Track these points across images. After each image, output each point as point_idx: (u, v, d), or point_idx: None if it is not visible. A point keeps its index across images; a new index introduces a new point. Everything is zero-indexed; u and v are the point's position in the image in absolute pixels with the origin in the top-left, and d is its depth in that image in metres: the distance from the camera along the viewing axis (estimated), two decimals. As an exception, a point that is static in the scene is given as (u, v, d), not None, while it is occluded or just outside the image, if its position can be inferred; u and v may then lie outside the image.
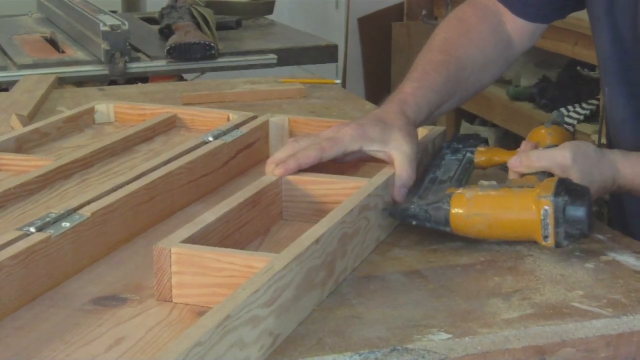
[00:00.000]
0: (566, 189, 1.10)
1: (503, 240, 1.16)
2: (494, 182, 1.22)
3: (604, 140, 1.52)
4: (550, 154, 1.19)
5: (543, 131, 1.33)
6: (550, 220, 1.10)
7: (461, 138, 1.36)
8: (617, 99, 1.36)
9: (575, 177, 1.17)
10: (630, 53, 1.32)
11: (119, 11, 3.50)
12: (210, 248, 0.99)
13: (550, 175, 1.18)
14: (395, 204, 1.21)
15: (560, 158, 1.18)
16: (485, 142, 1.35)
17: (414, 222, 1.16)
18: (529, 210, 1.11)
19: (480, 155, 1.32)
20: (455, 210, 1.13)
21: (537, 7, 1.45)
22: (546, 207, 1.10)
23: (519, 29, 1.46)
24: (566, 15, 1.48)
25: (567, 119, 3.40)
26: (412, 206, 1.16)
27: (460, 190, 1.15)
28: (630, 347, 1.00)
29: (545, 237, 1.11)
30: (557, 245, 1.11)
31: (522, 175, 1.21)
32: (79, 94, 1.98)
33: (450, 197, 1.14)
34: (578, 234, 1.10)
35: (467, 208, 1.13)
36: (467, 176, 1.28)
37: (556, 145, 1.25)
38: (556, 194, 1.10)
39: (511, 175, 1.23)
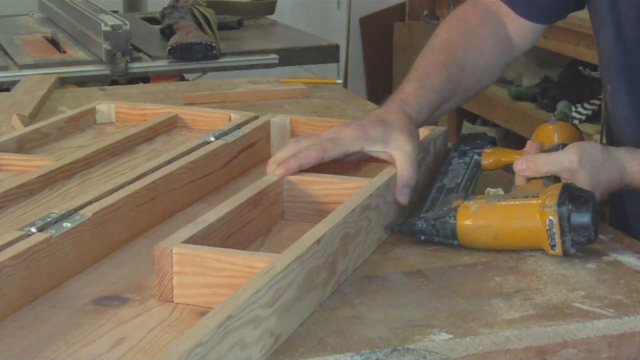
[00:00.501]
0: (570, 196, 1.10)
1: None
2: (500, 190, 1.21)
3: (605, 140, 1.52)
4: (557, 158, 1.19)
5: (549, 128, 1.32)
6: (556, 230, 1.10)
7: (468, 139, 1.36)
8: (620, 97, 1.36)
9: (582, 180, 1.16)
10: (634, 51, 1.32)
11: (120, 11, 3.50)
12: (212, 248, 0.99)
13: (557, 178, 1.18)
14: (397, 204, 1.21)
15: (567, 162, 1.18)
16: (492, 141, 1.35)
17: (422, 238, 1.16)
18: (534, 221, 1.11)
19: (487, 157, 1.31)
20: (461, 224, 1.14)
21: (540, 8, 1.45)
22: (551, 218, 1.10)
23: (520, 30, 1.46)
24: (567, 15, 1.48)
25: (568, 119, 3.40)
26: (420, 222, 1.16)
27: (466, 203, 1.15)
28: (632, 348, 1.00)
29: (553, 246, 1.11)
30: (565, 253, 1.11)
31: (529, 179, 1.21)
32: (80, 94, 1.98)
33: (457, 211, 1.15)
34: (585, 240, 1.10)
35: (474, 221, 1.14)
36: (475, 182, 1.28)
37: (563, 144, 1.25)
38: (560, 203, 1.10)
39: (517, 180, 1.23)
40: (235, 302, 0.85)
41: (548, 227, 1.10)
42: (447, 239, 1.15)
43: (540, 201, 1.12)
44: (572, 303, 1.03)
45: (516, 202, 1.14)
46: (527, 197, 1.14)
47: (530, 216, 1.12)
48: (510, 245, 1.14)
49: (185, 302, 0.98)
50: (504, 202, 1.14)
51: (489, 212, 1.14)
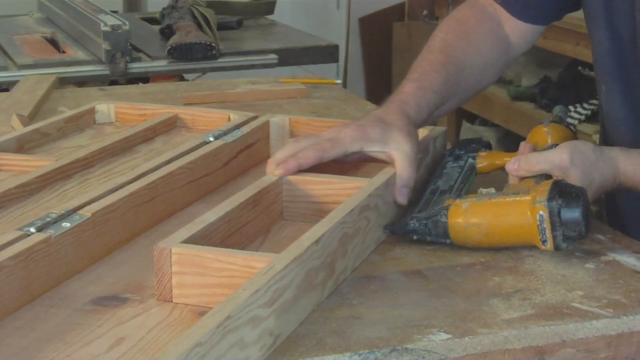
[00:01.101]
0: (560, 192, 1.11)
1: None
2: (493, 190, 1.22)
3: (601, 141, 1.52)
4: (548, 157, 1.19)
5: (543, 130, 1.33)
6: (547, 225, 1.10)
7: (463, 143, 1.36)
8: (614, 97, 1.36)
9: (574, 177, 1.17)
10: (628, 51, 1.32)
11: (120, 11, 3.50)
12: (211, 248, 0.99)
13: (550, 177, 1.19)
14: (396, 204, 1.21)
15: (558, 160, 1.18)
16: (487, 146, 1.35)
17: (415, 237, 1.16)
18: (525, 217, 1.11)
19: (482, 161, 1.32)
20: (453, 222, 1.14)
21: (535, 9, 1.45)
22: (541, 212, 1.10)
23: (517, 30, 1.47)
24: (562, 16, 1.48)
25: (568, 119, 3.40)
26: (412, 221, 1.16)
27: (457, 201, 1.16)
28: (630, 348, 1.00)
29: (544, 241, 1.11)
30: (556, 248, 1.11)
31: (522, 178, 1.21)
32: (79, 94, 1.98)
33: (448, 209, 1.15)
34: (576, 235, 1.10)
35: (465, 218, 1.14)
36: (469, 184, 1.28)
37: (556, 145, 1.25)
38: (550, 198, 1.10)
39: (511, 180, 1.23)
40: (235, 302, 0.85)
41: (539, 223, 1.10)
42: (439, 237, 1.15)
43: (530, 197, 1.12)
44: (571, 303, 1.03)
45: (507, 199, 1.14)
46: (518, 193, 1.14)
47: (521, 212, 1.12)
48: (502, 242, 1.14)
49: (184, 302, 0.98)
50: (494, 200, 1.14)
51: (480, 210, 1.14)
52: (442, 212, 1.15)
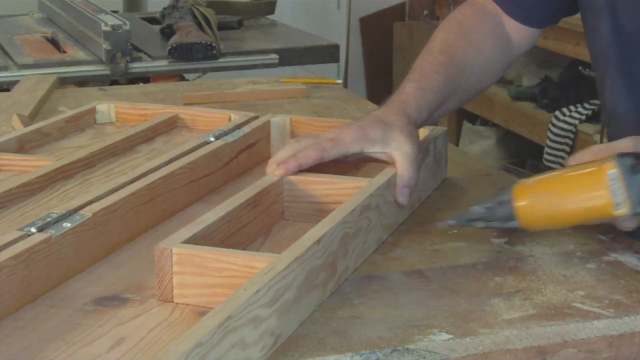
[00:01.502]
0: (629, 153, 1.04)
1: (571, 228, 1.13)
2: None
3: (605, 140, 1.51)
4: (611, 145, 1.14)
5: None
6: (620, 184, 1.03)
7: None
8: (619, 90, 1.35)
9: None
10: (632, 43, 1.31)
11: (120, 11, 3.50)
12: (212, 248, 0.99)
13: None
14: (397, 204, 1.21)
15: (622, 146, 1.13)
16: None
17: (481, 225, 1.12)
18: (594, 180, 1.04)
19: None
20: (519, 200, 1.09)
21: (529, 9, 1.44)
22: (612, 171, 1.03)
23: (516, 30, 1.46)
24: (559, 19, 1.48)
25: (568, 119, 3.41)
26: (475, 207, 1.12)
27: (522, 180, 1.11)
28: (632, 348, 1.00)
29: (618, 204, 1.04)
30: (634, 211, 1.04)
31: None
32: (80, 94, 1.98)
33: (512, 189, 1.10)
34: None
35: (532, 193, 1.09)
36: None
37: None
38: (621, 155, 1.03)
39: None
40: (235, 302, 0.85)
41: (611, 183, 1.03)
42: (505, 221, 1.10)
43: (597, 165, 1.06)
44: (572, 303, 1.03)
45: (573, 168, 1.09)
46: (585, 164, 1.09)
47: (590, 176, 1.05)
48: (572, 216, 1.09)
49: (185, 302, 0.98)
50: (560, 172, 1.10)
51: (546, 183, 1.09)
52: (506, 192, 1.10)
